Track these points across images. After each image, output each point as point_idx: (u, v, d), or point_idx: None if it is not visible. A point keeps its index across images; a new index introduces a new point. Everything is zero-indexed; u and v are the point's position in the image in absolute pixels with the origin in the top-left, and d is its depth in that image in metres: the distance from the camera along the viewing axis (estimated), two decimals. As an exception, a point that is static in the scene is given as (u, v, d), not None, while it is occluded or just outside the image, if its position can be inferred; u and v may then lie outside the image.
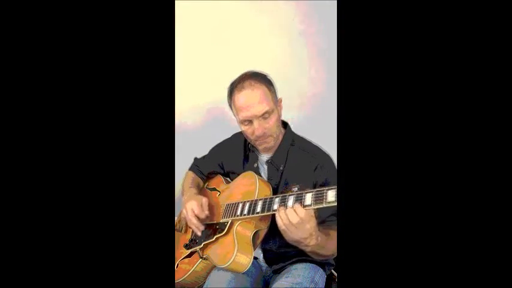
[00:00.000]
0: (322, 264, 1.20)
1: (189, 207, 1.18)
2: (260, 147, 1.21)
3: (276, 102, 1.17)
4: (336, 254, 1.12)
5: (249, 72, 1.18)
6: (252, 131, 1.14)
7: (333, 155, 1.18)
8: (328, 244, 1.04)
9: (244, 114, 1.12)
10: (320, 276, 1.17)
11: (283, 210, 0.93)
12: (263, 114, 1.11)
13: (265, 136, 1.15)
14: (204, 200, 1.20)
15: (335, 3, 0.74)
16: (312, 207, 0.90)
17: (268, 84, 1.15)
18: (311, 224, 0.92)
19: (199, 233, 1.18)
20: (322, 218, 1.11)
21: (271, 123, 1.13)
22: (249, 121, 1.13)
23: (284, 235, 0.96)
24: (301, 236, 0.93)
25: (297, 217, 0.91)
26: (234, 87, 1.15)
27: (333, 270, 1.27)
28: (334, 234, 1.08)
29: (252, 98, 1.11)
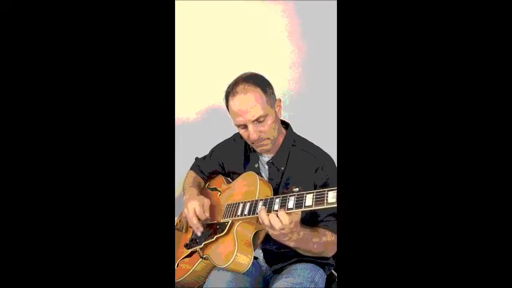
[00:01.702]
0: (322, 264, 1.20)
1: (191, 207, 1.17)
2: (258, 150, 1.21)
3: (273, 103, 1.15)
4: (328, 253, 1.13)
5: (243, 75, 1.17)
6: (248, 135, 1.14)
7: (333, 155, 1.18)
8: (313, 239, 1.05)
9: (238, 120, 1.12)
10: (320, 276, 1.17)
11: (264, 214, 0.95)
12: (257, 119, 1.10)
13: (260, 140, 1.14)
14: (206, 201, 1.19)
15: (335, 3, 0.74)
16: (313, 208, 0.91)
17: (264, 86, 1.13)
18: (292, 223, 0.94)
19: (199, 233, 1.18)
20: (320, 218, 1.12)
21: (267, 126, 1.12)
22: (244, 125, 1.13)
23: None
24: (282, 233, 0.95)
25: (280, 224, 0.93)
26: (229, 92, 1.15)
27: (333, 270, 1.27)
28: (324, 232, 1.09)
29: (245, 104, 1.09)
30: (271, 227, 0.94)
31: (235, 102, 1.11)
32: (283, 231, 0.95)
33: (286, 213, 0.93)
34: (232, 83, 1.16)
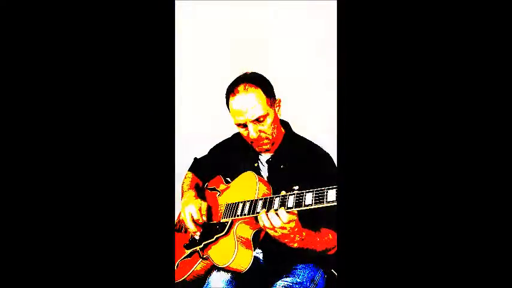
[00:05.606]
0: (322, 264, 1.20)
1: (188, 212, 1.18)
2: (257, 149, 1.22)
3: (273, 103, 1.16)
4: (330, 251, 1.12)
5: (245, 74, 1.18)
6: (247, 134, 1.15)
7: (333, 154, 1.18)
8: (317, 239, 1.05)
9: (238, 119, 1.13)
10: (320, 276, 1.17)
11: (265, 216, 0.96)
12: (257, 119, 1.11)
13: (260, 139, 1.15)
14: (203, 204, 1.20)
15: (335, 3, 0.75)
16: (313, 206, 0.91)
17: (264, 86, 1.14)
18: (292, 222, 0.94)
19: (197, 237, 1.18)
20: (321, 215, 1.12)
21: (267, 126, 1.13)
22: (244, 125, 1.13)
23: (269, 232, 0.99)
24: (283, 234, 0.95)
25: (279, 222, 0.93)
26: (230, 91, 1.16)
27: (333, 270, 1.27)
28: (326, 230, 1.09)
29: (245, 103, 1.10)
30: (272, 226, 0.94)
31: (236, 101, 1.12)
32: (284, 231, 0.95)
33: (286, 211, 0.93)
34: (232, 82, 1.17)
